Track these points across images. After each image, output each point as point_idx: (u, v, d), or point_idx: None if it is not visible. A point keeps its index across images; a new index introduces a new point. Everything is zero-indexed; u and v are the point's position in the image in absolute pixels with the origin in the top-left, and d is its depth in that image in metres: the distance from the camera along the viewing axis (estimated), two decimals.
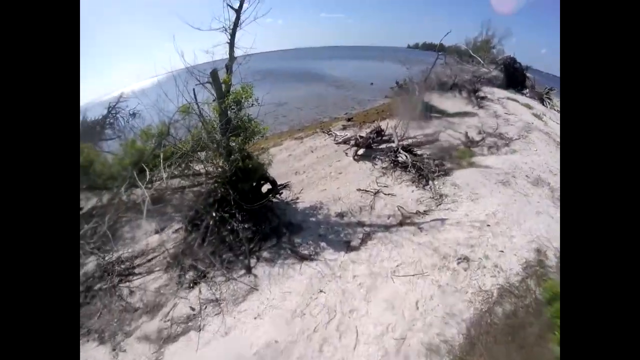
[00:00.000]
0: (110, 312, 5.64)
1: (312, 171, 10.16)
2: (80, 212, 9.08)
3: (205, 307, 5.57)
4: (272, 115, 16.98)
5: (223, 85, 7.10)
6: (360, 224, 7.16)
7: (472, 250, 6.05)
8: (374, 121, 15.07)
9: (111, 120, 19.60)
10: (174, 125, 7.51)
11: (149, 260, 6.92)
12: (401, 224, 7.06)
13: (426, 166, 9.18)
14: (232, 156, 6.72)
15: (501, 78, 22.91)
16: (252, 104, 7.33)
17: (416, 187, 8.53)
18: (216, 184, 7.06)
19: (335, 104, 19.90)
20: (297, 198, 8.54)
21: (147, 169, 6.79)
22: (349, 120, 15.82)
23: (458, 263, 5.81)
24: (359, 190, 8.56)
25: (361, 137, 11.35)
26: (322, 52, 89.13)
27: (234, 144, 6.73)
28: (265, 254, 6.58)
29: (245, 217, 7.12)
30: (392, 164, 9.72)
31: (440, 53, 19.22)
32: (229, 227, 6.89)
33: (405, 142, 10.94)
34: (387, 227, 6.96)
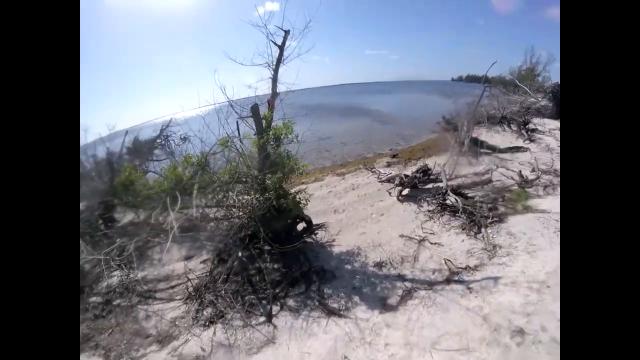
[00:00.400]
0: (122, 332, 5.51)
1: (352, 211, 9.45)
2: (116, 225, 9.29)
3: (217, 351, 5.03)
4: (315, 150, 16.72)
5: (264, 121, 6.85)
6: (401, 278, 6.26)
7: (528, 321, 4.89)
8: (419, 158, 14.25)
9: (162, 142, 20.49)
10: (213, 157, 7.41)
11: (172, 287, 6.71)
12: (448, 281, 6.06)
13: (478, 211, 8.12)
14: (267, 194, 6.28)
15: (551, 107, 21.03)
16: (292, 141, 6.98)
17: (467, 235, 7.49)
18: (248, 220, 6.63)
19: (380, 139, 19.25)
20: (334, 240, 7.85)
21: (179, 195, 6.65)
22: (393, 156, 15.07)
23: (511, 337, 4.72)
24: (401, 236, 7.69)
25: (406, 176, 10.53)
26: (367, 87, 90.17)
27: (269, 181, 6.29)
28: (290, 302, 5.91)
29: (275, 257, 6.65)
30: (439, 207, 8.76)
31: (486, 85, 18.17)
32: (257, 266, 6.37)
33: (454, 182, 9.96)
34: (431, 284, 6.00)
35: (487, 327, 4.89)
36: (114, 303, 6.24)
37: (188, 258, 7.75)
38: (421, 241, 7.39)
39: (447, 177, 9.86)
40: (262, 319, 5.57)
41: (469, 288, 5.79)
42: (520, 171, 10.67)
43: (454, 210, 8.41)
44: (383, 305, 5.63)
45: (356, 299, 5.82)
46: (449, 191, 8.88)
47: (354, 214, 9.16)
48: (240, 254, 6.47)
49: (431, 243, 7.30)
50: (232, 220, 7.02)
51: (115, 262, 7.16)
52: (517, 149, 13.97)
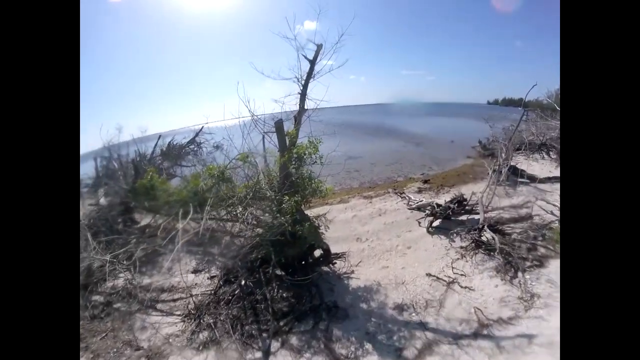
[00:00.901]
0: (115, 339, 5.27)
1: (377, 240, 8.72)
2: (133, 227, 9.17)
3: None
4: (343, 169, 16.21)
5: (287, 138, 6.42)
6: (422, 326, 5.47)
7: None
8: (453, 185, 13.25)
9: (195, 148, 20.93)
10: (234, 171, 7.12)
11: (174, 300, 6.40)
12: (476, 335, 5.20)
13: (516, 252, 7.16)
14: (282, 218, 5.78)
15: None
16: (315, 161, 6.48)
17: (501, 279, 6.56)
18: (261, 242, 6.16)
19: (412, 162, 18.32)
20: (352, 272, 7.16)
21: (192, 206, 6.41)
22: (425, 182, 14.09)
23: None
24: (428, 275, 6.88)
25: (438, 205, 9.67)
26: (401, 107, 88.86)
27: (286, 204, 5.78)
28: (293, 339, 5.30)
29: (285, 285, 6.15)
30: (473, 244, 7.85)
31: (525, 110, 16.88)
32: (264, 293, 5.86)
33: (490, 215, 8.98)
34: (456, 338, 5.17)
35: None
36: (115, 306, 6.02)
37: (197, 271, 7.41)
38: (450, 283, 6.55)
39: (485, 209, 8.91)
40: (259, 355, 5.01)
41: (499, 347, 4.92)
42: None
43: (489, 249, 7.48)
44: (398, 357, 4.89)
45: (368, 346, 5.11)
46: (485, 226, 7.96)
47: (378, 244, 8.43)
48: (244, 280, 6.04)
49: (461, 286, 6.44)
50: (244, 239, 6.62)
51: (122, 265, 7.00)
52: (557, 179, 12.63)
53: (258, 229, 6.34)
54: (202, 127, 21.92)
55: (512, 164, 13.50)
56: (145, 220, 9.82)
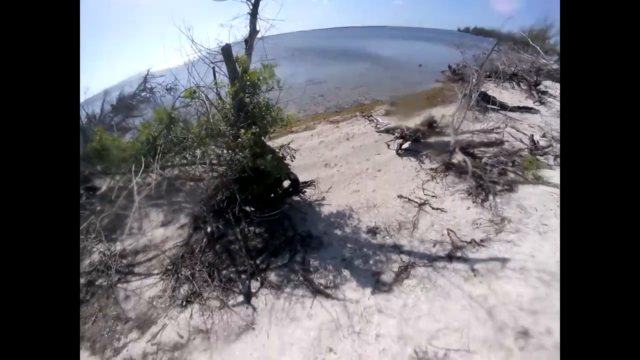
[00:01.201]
0: (105, 318, 4.82)
1: (346, 165, 8.22)
2: (96, 195, 8.07)
3: (194, 338, 4.24)
4: (308, 95, 14.99)
5: (238, 65, 5.28)
6: (397, 249, 5.27)
7: (534, 321, 4.02)
8: (422, 108, 12.70)
9: (147, 95, 18.67)
10: (187, 111, 5.94)
11: (149, 260, 5.76)
12: (450, 257, 5.08)
13: (488, 175, 6.98)
14: (240, 154, 4.95)
15: None
16: (272, 88, 5.46)
17: (473, 202, 6.42)
18: (223, 182, 5.41)
19: (379, 85, 17.37)
20: (323, 199, 6.73)
21: (143, 158, 5.31)
22: (393, 105, 13.44)
23: (515, 339, 3.84)
24: (400, 197, 6.60)
25: (408, 128, 9.16)
26: (367, 31, 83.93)
27: (243, 138, 4.88)
28: (272, 276, 4.97)
29: (257, 220, 5.54)
30: (443, 166, 7.57)
31: (498, 39, 16.23)
32: (235, 234, 5.31)
33: (461, 137, 8.66)
34: (431, 260, 5.03)
35: (492, 326, 4.01)
36: (97, 284, 5.42)
37: (166, 224, 6.67)
38: (422, 205, 6.32)
39: (456, 132, 8.53)
40: (241, 298, 4.66)
41: (473, 269, 4.85)
42: (532, 135, 9.38)
43: (460, 172, 7.26)
44: (376, 282, 4.70)
45: (346, 273, 4.87)
46: (457, 149, 7.63)
47: (348, 169, 7.96)
48: (214, 224, 5.42)
49: (433, 208, 6.23)
50: (206, 181, 5.80)
51: (91, 239, 6.14)
52: (527, 110, 12.49)
53: (220, 168, 5.48)
54: (148, 70, 19.01)
55: (482, 90, 13.05)
56: (105, 184, 8.50)
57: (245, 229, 5.60)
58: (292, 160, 6.11)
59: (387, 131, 10.07)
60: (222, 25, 5.62)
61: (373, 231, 5.67)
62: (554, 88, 16.00)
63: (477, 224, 5.83)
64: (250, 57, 5.57)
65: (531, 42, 23.22)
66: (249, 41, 5.60)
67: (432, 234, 5.60)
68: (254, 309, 4.47)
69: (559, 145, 8.93)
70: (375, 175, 7.59)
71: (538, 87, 15.24)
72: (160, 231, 6.43)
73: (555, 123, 11.31)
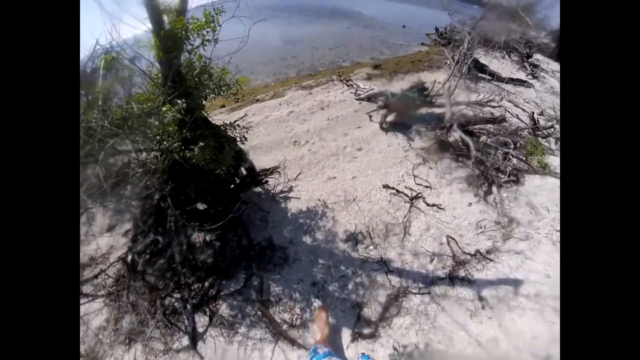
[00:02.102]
0: None
1: (319, 142, 6.55)
2: None
3: None
4: (278, 55, 12.83)
5: (167, 15, 3.32)
6: (385, 266, 3.87)
7: None
8: (407, 72, 11.00)
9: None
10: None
11: (96, 277, 4.12)
12: (452, 279, 3.78)
13: (491, 160, 5.62)
14: (164, 143, 3.18)
15: (552, 48, 17.61)
16: (205, 41, 3.50)
17: (474, 195, 5.09)
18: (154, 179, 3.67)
19: (360, 45, 15.22)
20: (291, 189, 5.16)
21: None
22: (375, 67, 11.50)
23: None
24: (386, 187, 5.14)
25: (394, 94, 7.53)
26: None
27: (167, 119, 3.06)
28: (224, 307, 3.50)
29: (206, 225, 3.93)
30: (437, 145, 6.13)
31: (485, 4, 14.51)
32: (180, 243, 3.73)
33: (454, 109, 7.15)
34: (428, 283, 3.73)
35: None
36: None
37: (111, 229, 4.85)
38: (414, 199, 4.90)
39: (452, 103, 7.02)
40: (186, 341, 3.20)
41: (480, 298, 3.56)
42: (533, 113, 8.01)
43: (458, 154, 5.86)
44: (357, 319, 3.33)
45: (317, 304, 3.41)
46: (455, 125, 6.15)
47: (321, 147, 6.31)
48: (152, 230, 3.78)
49: (427, 204, 4.84)
50: (137, 176, 4.01)
51: None
52: (521, 83, 11.09)
53: (147, 162, 3.68)
54: (97, 40, 15.58)
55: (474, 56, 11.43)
56: None
57: (191, 238, 4.02)
58: (243, 143, 4.40)
59: (369, 99, 8.37)
60: None
61: (353, 238, 4.23)
62: (545, 62, 14.70)
63: (481, 227, 4.53)
64: (186, 3, 3.64)
65: (521, 13, 21.58)
66: None
67: (428, 242, 4.24)
68: (201, 358, 3.04)
69: (559, 127, 7.66)
70: (355, 156, 6.02)
71: (530, 60, 13.83)
72: (105, 239, 4.67)
73: (550, 100, 10.07)
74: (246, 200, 4.38)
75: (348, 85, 9.55)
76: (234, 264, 3.83)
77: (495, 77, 10.59)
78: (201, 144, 3.20)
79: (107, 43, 3.48)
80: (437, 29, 17.00)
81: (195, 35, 3.36)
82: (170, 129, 3.07)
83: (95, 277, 4.14)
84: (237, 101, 8.46)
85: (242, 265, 3.83)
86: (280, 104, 8.21)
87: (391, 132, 6.88)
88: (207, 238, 4.13)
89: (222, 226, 3.81)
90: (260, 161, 5.71)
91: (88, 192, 3.41)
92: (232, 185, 4.36)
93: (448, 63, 11.69)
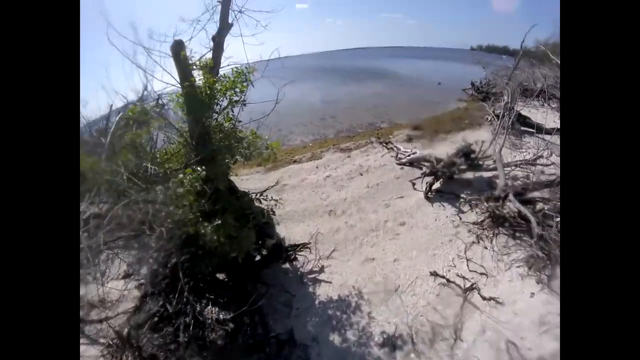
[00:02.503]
0: None
1: (357, 213, 6.08)
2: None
3: None
4: (316, 115, 13.04)
5: (198, 68, 3.35)
6: None
7: None
8: (449, 131, 10.50)
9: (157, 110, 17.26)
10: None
11: (101, 321, 3.96)
12: None
13: (551, 234, 4.74)
14: (178, 215, 2.95)
15: None
16: (239, 100, 3.41)
17: (537, 282, 4.20)
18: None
19: (397, 105, 15.16)
20: (321, 269, 4.63)
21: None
22: (415, 128, 11.13)
23: None
24: (434, 275, 4.43)
25: (438, 159, 7.00)
26: (381, 51, 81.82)
27: (182, 188, 2.84)
28: None
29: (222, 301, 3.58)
30: (490, 219, 5.38)
31: (520, 50, 13.88)
32: (192, 314, 3.36)
33: (506, 172, 6.39)
34: None
35: None
36: None
37: (127, 276, 4.71)
38: (467, 290, 4.12)
39: (505, 167, 6.32)
40: None
41: None
42: None
43: (515, 228, 5.05)
44: None
45: None
46: (511, 195, 5.39)
47: (359, 220, 5.82)
48: (163, 296, 3.47)
49: (483, 297, 4.02)
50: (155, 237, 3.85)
51: None
52: None
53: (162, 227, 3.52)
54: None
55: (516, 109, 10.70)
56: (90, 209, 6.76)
57: (203, 312, 3.59)
58: (273, 214, 4.08)
59: (411, 163, 7.91)
60: (183, 20, 3.75)
61: (391, 343, 3.51)
62: None
63: (545, 324, 3.61)
64: (218, 61, 3.65)
65: (551, 56, 20.74)
66: (217, 38, 3.70)
67: (483, 350, 3.41)
68: None
69: None
70: (398, 233, 5.42)
71: None
72: (120, 284, 4.46)
73: None
74: (267, 282, 3.94)
75: (388, 148, 9.20)
76: (244, 354, 3.29)
77: (541, 129, 9.66)
78: (218, 221, 2.89)
79: (140, 95, 3.54)
80: (472, 84, 16.60)
81: (222, 96, 3.26)
82: (186, 201, 2.82)
83: (100, 321, 3.90)
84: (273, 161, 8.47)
85: (253, 358, 3.28)
86: (317, 167, 8.00)
87: (437, 202, 6.22)
88: (221, 316, 3.69)
89: (238, 305, 3.38)
90: (291, 232, 5.30)
91: (109, 235, 3.27)
92: (255, 259, 3.97)
93: (489, 119, 11.07)
